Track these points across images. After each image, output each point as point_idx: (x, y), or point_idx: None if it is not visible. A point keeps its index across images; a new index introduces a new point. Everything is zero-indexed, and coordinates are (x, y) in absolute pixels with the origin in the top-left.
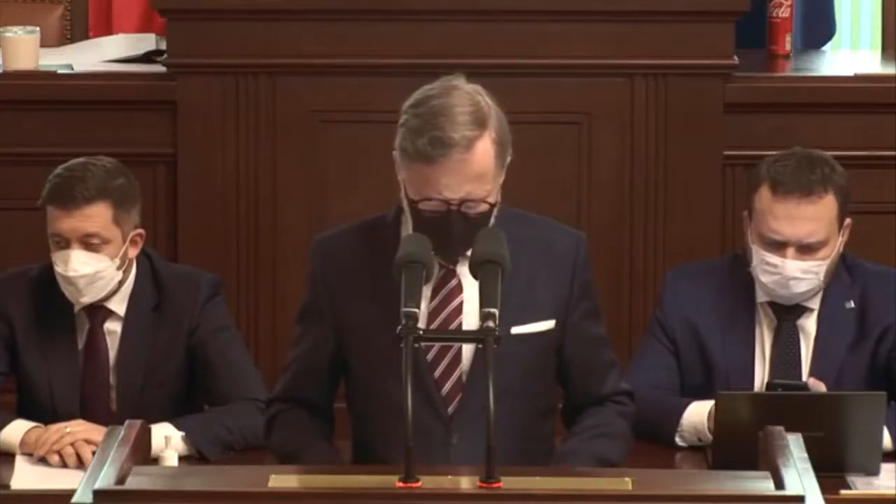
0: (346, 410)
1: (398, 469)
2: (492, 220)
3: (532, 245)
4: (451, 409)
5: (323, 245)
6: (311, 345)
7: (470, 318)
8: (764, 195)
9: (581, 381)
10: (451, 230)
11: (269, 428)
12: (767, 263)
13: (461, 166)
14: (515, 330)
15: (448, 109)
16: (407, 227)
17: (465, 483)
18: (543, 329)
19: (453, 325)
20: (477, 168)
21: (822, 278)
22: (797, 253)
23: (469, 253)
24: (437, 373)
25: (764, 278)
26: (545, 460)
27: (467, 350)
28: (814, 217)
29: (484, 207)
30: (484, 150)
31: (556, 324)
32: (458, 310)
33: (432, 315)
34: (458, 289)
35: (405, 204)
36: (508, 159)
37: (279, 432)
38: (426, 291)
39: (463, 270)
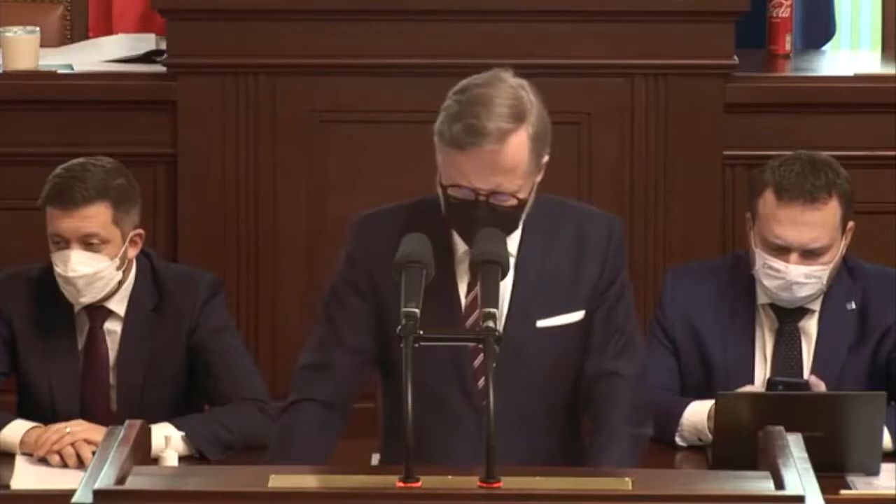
0: (382, 402)
1: (398, 469)
2: (522, 217)
3: (565, 235)
4: (485, 402)
5: (365, 225)
6: (346, 319)
7: (505, 312)
8: (768, 200)
9: (587, 358)
10: (478, 220)
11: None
12: (770, 268)
13: (492, 157)
14: (541, 323)
15: (488, 99)
16: None
17: (465, 483)
18: (572, 321)
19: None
20: (509, 161)
21: (825, 282)
22: (801, 258)
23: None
24: (477, 363)
25: (767, 282)
26: (572, 457)
27: None
28: (818, 223)
29: (513, 202)
30: (518, 144)
31: (586, 314)
32: None
33: (469, 309)
34: None
35: (438, 188)
36: (546, 158)
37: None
38: (462, 286)
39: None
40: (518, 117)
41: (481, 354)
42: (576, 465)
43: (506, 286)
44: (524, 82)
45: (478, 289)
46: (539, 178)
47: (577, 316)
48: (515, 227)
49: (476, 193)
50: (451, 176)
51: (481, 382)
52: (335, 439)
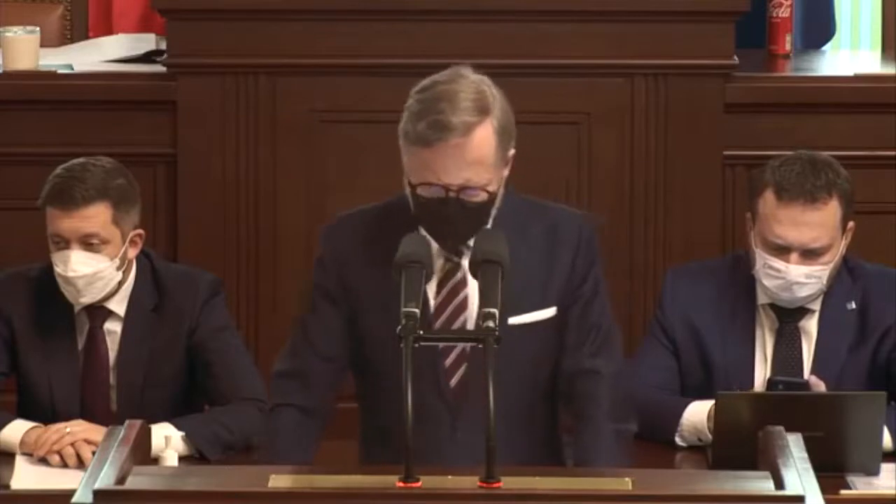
0: (357, 404)
1: (398, 469)
2: (493, 212)
3: (536, 232)
4: (458, 402)
5: (334, 228)
6: (319, 325)
7: (475, 312)
8: (768, 200)
9: (564, 355)
10: (449, 217)
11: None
12: (771, 268)
13: (459, 151)
14: (513, 321)
15: (451, 95)
16: None
17: (465, 483)
18: (543, 318)
19: (459, 320)
20: (476, 154)
21: (825, 282)
22: (801, 258)
23: (470, 244)
24: (448, 362)
25: (767, 282)
26: (551, 452)
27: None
28: (818, 223)
29: (483, 196)
30: (483, 137)
31: (558, 310)
32: (464, 304)
33: (438, 310)
34: (463, 283)
35: (407, 189)
36: (512, 152)
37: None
38: (432, 285)
39: (467, 264)
40: (482, 110)
41: (453, 353)
42: (555, 459)
43: (475, 285)
44: (485, 78)
45: (479, 286)
46: (506, 171)
47: (549, 312)
48: (485, 224)
49: (446, 190)
50: (420, 174)
51: (453, 381)
52: (314, 443)
